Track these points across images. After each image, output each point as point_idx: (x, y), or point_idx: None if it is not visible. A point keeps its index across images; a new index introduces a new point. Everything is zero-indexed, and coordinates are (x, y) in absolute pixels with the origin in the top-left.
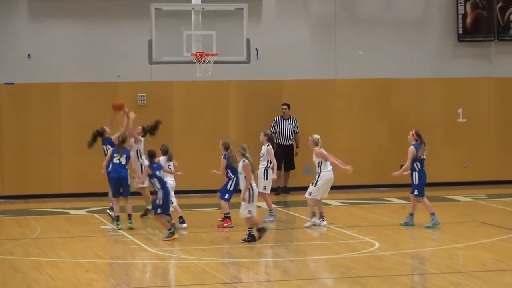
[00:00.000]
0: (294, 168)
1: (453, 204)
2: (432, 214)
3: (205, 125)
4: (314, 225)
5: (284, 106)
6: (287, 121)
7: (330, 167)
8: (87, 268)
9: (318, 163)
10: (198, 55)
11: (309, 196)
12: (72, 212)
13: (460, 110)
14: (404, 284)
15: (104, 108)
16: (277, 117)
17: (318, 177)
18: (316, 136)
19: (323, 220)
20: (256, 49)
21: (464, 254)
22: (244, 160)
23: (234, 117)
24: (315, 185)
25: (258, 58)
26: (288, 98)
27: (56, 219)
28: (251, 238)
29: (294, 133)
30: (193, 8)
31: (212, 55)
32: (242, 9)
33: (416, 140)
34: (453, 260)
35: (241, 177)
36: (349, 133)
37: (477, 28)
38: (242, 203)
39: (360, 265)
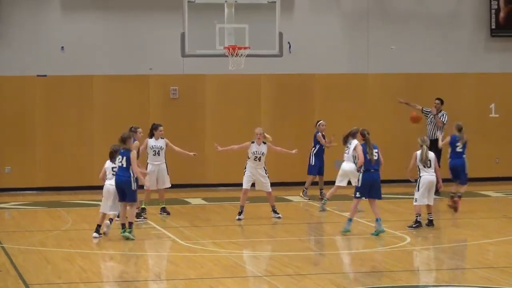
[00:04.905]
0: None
1: (485, 199)
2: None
3: (237, 118)
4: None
5: (437, 101)
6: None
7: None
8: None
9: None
10: (230, 48)
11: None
12: None
13: (492, 105)
14: (436, 279)
15: (136, 101)
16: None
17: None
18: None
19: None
20: (289, 42)
21: (495, 250)
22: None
23: (266, 110)
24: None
25: (290, 52)
26: (319, 92)
27: (87, 211)
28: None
29: (441, 129)
30: (226, 1)
31: (245, 48)
32: (275, 2)
33: (363, 140)
34: (484, 256)
35: None
36: (380, 127)
37: (510, 23)
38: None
39: (391, 259)
